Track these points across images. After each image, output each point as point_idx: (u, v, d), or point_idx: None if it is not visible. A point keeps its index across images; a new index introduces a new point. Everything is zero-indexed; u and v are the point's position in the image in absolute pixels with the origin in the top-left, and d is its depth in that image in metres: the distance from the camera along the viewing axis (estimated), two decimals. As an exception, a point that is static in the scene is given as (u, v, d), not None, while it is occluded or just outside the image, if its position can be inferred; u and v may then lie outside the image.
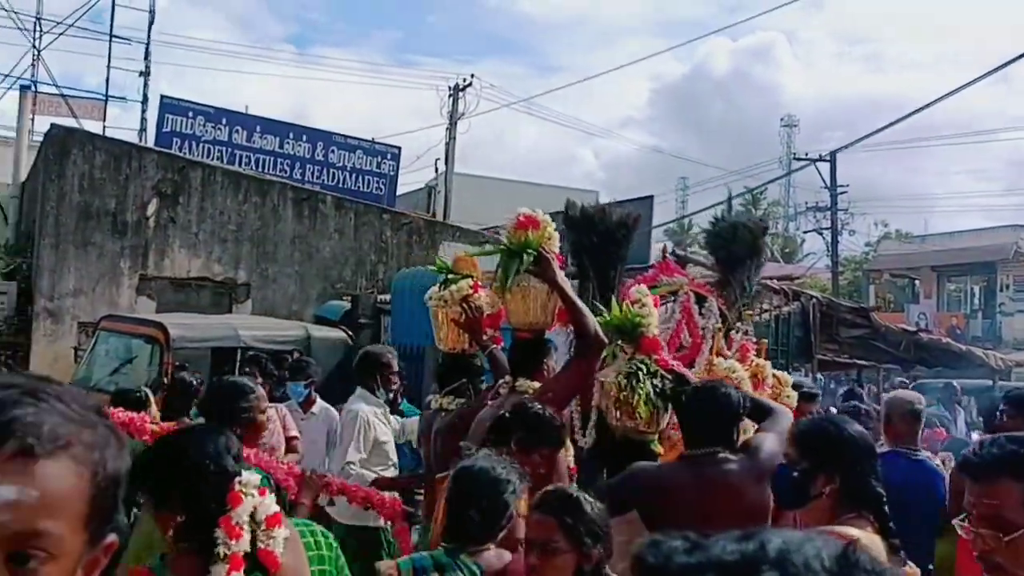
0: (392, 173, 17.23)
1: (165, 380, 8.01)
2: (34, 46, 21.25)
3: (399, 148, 17.64)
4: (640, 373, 3.47)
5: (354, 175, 16.80)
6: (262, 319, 11.32)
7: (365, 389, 5.35)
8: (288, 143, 16.36)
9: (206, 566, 2.01)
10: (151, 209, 12.23)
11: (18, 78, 20.54)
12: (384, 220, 13.96)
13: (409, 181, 23.23)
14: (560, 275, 3.70)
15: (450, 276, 4.29)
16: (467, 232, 14.82)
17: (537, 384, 3.69)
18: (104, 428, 0.91)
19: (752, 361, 4.59)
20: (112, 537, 0.94)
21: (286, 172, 15.92)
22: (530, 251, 3.65)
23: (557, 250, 3.78)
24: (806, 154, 27.68)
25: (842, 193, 27.07)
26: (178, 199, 12.45)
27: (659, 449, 3.60)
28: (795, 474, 2.49)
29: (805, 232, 35.59)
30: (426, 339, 10.16)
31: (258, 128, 16.18)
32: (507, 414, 3.29)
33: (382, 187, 17.04)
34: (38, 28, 21.27)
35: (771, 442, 3.11)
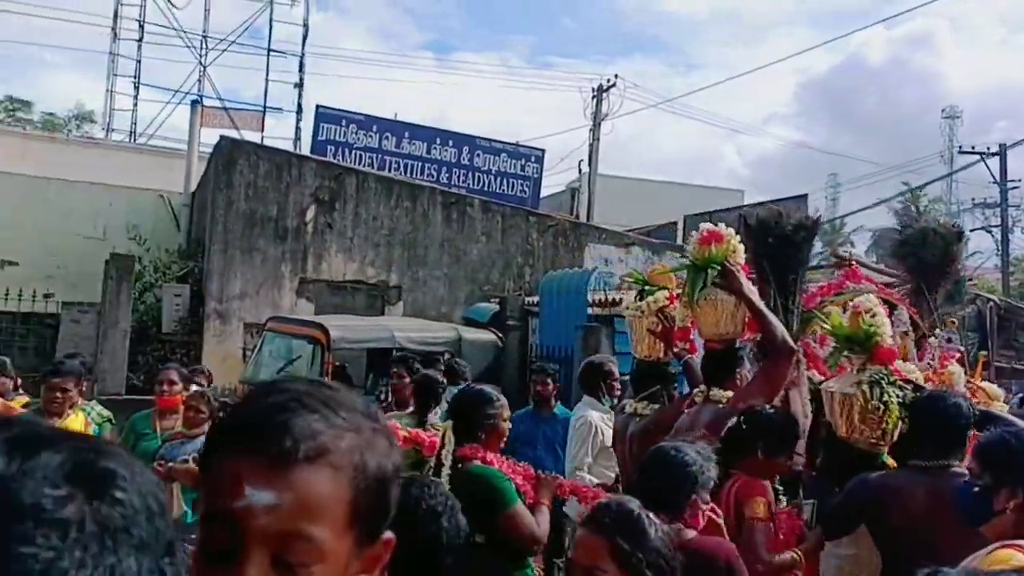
0: (536, 176, 17.35)
1: (325, 379, 8.33)
2: (200, 63, 22.65)
3: (543, 151, 17.76)
4: (883, 383, 3.48)
5: (499, 178, 17.02)
6: (415, 321, 11.61)
7: (591, 396, 5.69)
8: (435, 148, 16.74)
9: None
10: (309, 215, 12.77)
11: (187, 93, 21.96)
12: (530, 222, 14.07)
13: (549, 183, 23.34)
14: (747, 286, 3.84)
15: (647, 287, 4.50)
16: (612, 234, 14.75)
17: (730, 393, 3.78)
18: (370, 430, 0.94)
19: (946, 370, 4.42)
20: (389, 534, 0.97)
21: (433, 176, 16.29)
22: (715, 265, 3.82)
23: (742, 261, 3.92)
24: (972, 147, 26.08)
25: (1013, 188, 25.37)
26: (334, 205, 12.95)
27: (890, 462, 3.55)
28: (976, 489, 2.41)
29: (971, 230, 33.54)
30: (573, 340, 10.23)
31: (406, 134, 16.64)
32: (743, 424, 3.33)
33: (526, 189, 17.19)
34: (204, 45, 22.67)
35: None
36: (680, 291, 4.18)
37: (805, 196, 16.16)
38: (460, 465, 3.51)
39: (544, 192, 18.74)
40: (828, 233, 35.48)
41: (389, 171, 15.46)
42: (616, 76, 20.55)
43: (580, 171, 21.02)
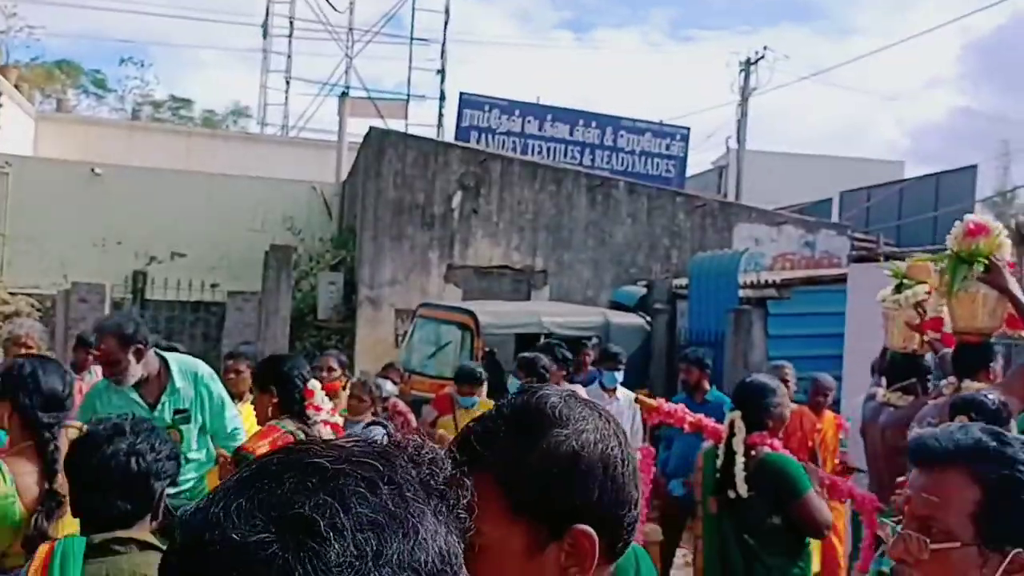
0: (681, 155, 16.96)
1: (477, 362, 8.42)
2: (347, 55, 23.32)
3: (688, 129, 17.32)
4: None
5: (643, 158, 16.74)
6: (562, 305, 11.58)
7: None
8: (577, 130, 16.61)
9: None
10: (455, 201, 12.93)
11: (335, 85, 22.68)
12: (676, 203, 13.75)
13: (695, 162, 22.77)
14: (1012, 282, 3.79)
15: (905, 281, 4.54)
16: (763, 212, 14.24)
17: (982, 385, 3.78)
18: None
19: None
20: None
21: (576, 159, 16.19)
22: (980, 259, 3.81)
23: (1008, 257, 3.90)
24: None
25: None
26: (479, 191, 13.05)
27: None
28: None
29: None
30: (724, 324, 9.95)
31: (549, 117, 16.58)
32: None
33: (671, 169, 16.84)
34: (350, 38, 23.32)
35: None
36: (938, 282, 4.19)
37: (974, 168, 15.07)
38: (752, 452, 3.78)
39: (690, 171, 18.29)
40: (999, 205, 33.11)
41: (532, 155, 15.46)
42: (765, 48, 19.81)
43: (727, 148, 20.42)
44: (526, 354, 6.08)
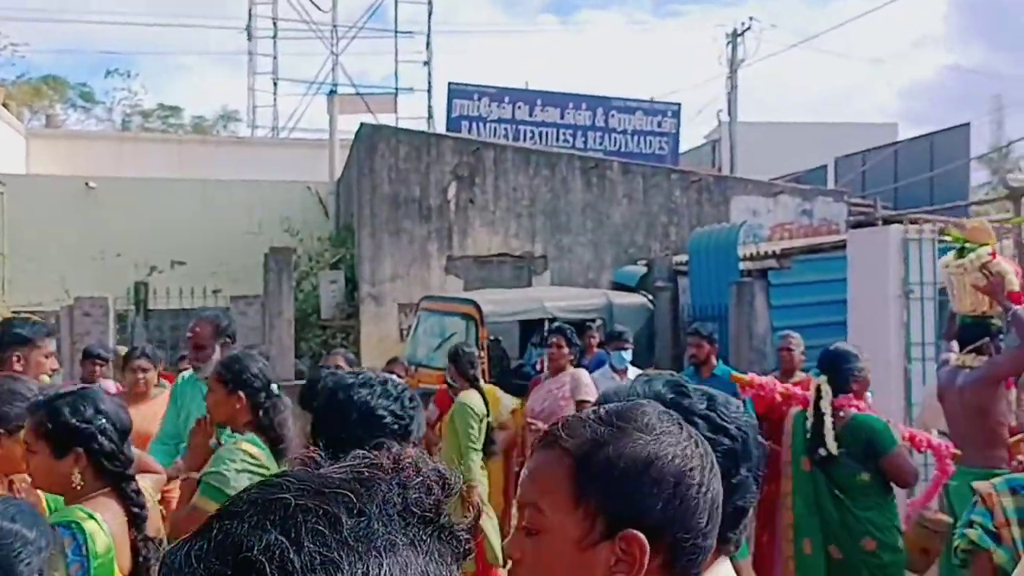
0: (674, 131, 16.92)
1: (481, 352, 8.44)
2: (333, 52, 23.26)
3: (679, 104, 17.28)
4: None
5: (635, 137, 16.71)
6: (564, 289, 11.60)
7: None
8: (568, 113, 16.57)
9: None
10: (451, 192, 12.93)
11: (322, 83, 22.64)
12: (672, 180, 13.75)
13: (688, 137, 22.74)
14: None
15: (967, 244, 4.70)
16: (758, 184, 14.23)
17: None
18: None
19: None
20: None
21: (569, 142, 16.16)
22: None
23: None
24: None
25: None
26: (474, 180, 13.05)
27: None
28: None
29: None
30: (726, 297, 9.96)
31: (539, 102, 16.54)
32: None
33: (664, 146, 16.81)
34: (334, 35, 23.25)
35: None
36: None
37: (967, 125, 15.04)
38: (840, 413, 4.09)
39: (683, 147, 18.27)
40: (995, 161, 33.02)
41: (525, 141, 15.45)
42: (751, 18, 19.74)
43: (719, 121, 20.37)
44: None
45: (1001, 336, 4.61)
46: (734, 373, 5.31)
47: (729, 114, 19.05)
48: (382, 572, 0.62)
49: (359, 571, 0.61)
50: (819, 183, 16.04)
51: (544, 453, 1.12)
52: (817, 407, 4.21)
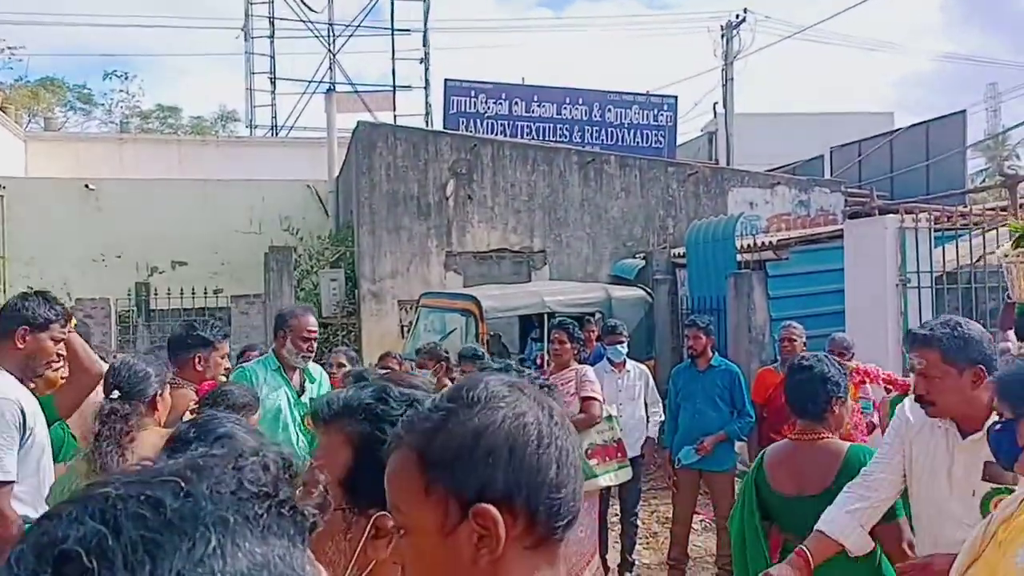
0: (670, 124, 16.98)
1: (481, 348, 8.50)
2: (330, 51, 23.29)
3: (675, 97, 17.34)
4: None
5: (632, 131, 16.76)
6: (563, 284, 11.65)
7: None
8: (565, 108, 16.63)
9: None
10: (449, 189, 12.98)
11: (320, 82, 22.68)
12: (669, 173, 13.80)
13: (685, 130, 22.75)
14: None
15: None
16: (755, 175, 14.28)
17: None
18: None
19: None
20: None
21: (566, 136, 16.22)
22: None
23: None
24: None
25: None
26: (472, 176, 13.10)
27: None
28: (998, 427, 2.27)
29: None
30: (724, 289, 10.02)
31: (536, 97, 16.59)
32: None
33: (661, 140, 16.86)
34: (331, 34, 23.28)
35: None
36: None
37: (963, 113, 15.06)
38: None
39: (680, 139, 18.31)
40: (992, 148, 33.02)
41: (522, 137, 15.50)
42: (745, 10, 19.74)
43: (715, 113, 20.40)
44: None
45: None
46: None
47: (725, 106, 19.09)
48: (210, 547, 0.62)
49: (184, 548, 0.61)
50: (816, 173, 16.09)
51: (394, 455, 1.12)
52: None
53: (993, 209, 8.42)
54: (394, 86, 22.24)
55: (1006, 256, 4.76)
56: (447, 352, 6.48)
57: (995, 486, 2.73)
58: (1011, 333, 4.82)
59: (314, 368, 4.92)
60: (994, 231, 7.70)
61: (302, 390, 4.64)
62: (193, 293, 12.85)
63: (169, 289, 13.56)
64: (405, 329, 11.75)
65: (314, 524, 0.71)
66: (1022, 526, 2.04)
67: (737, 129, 18.91)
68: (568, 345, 6.13)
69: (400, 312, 12.57)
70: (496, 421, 1.07)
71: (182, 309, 12.87)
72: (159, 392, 3.24)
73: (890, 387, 5.61)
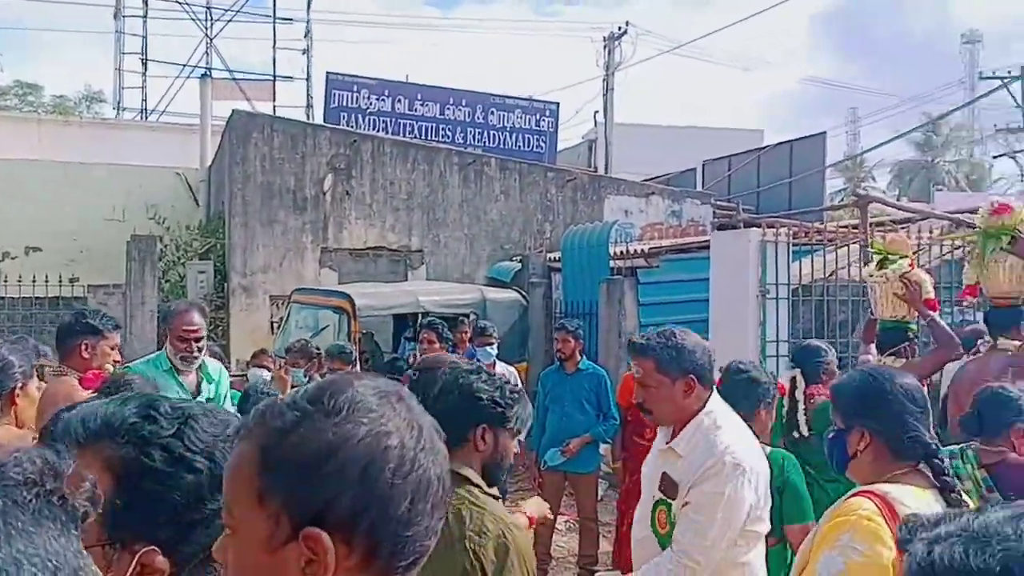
0: (551, 130, 17.19)
1: (353, 346, 8.40)
2: (207, 35, 22.51)
3: (557, 104, 17.56)
4: None
5: (514, 135, 16.89)
6: (439, 284, 11.64)
7: None
8: (448, 108, 16.60)
9: None
10: (327, 184, 12.76)
11: (195, 67, 21.88)
12: (548, 178, 13.98)
13: (566, 136, 23.13)
14: None
15: (889, 256, 5.11)
16: (631, 184, 14.64)
17: (1016, 343, 4.48)
18: None
19: None
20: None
21: (448, 137, 16.19)
22: (1006, 234, 4.56)
23: None
24: (993, 72, 25.47)
25: (1036, 111, 24.75)
26: (351, 172, 12.92)
27: None
28: (832, 434, 2.38)
29: (995, 157, 32.95)
30: (596, 295, 10.22)
31: (419, 96, 16.50)
32: None
33: (542, 144, 17.05)
34: (209, 17, 22.51)
35: None
36: (910, 256, 5.06)
37: (823, 134, 15.89)
38: (812, 400, 4.53)
39: (561, 146, 18.57)
40: (850, 169, 34.98)
41: (404, 135, 15.38)
42: (627, 23, 20.21)
43: (595, 122, 20.80)
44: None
45: (916, 340, 5.07)
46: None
47: (605, 116, 19.48)
48: None
49: None
50: (688, 185, 16.62)
51: (239, 445, 1.01)
52: (792, 395, 4.63)
53: (846, 227, 8.89)
54: (274, 76, 21.70)
55: (871, 276, 5.17)
56: (319, 349, 6.36)
57: (663, 498, 2.88)
58: (872, 347, 5.13)
59: (212, 365, 4.64)
60: (846, 248, 8.14)
61: (198, 391, 4.34)
62: (47, 280, 12.15)
63: (20, 276, 12.79)
64: (276, 325, 11.47)
65: (85, 514, 0.73)
66: (824, 534, 2.14)
67: (616, 138, 19.34)
68: (437, 345, 6.14)
69: (271, 307, 12.27)
70: (353, 437, 0.96)
71: (34, 297, 12.15)
72: (20, 384, 3.03)
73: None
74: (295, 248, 12.59)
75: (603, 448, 7.11)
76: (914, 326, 5.09)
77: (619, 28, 20.27)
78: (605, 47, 19.93)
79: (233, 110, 13.53)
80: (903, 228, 9.02)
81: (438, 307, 9.68)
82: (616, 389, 6.94)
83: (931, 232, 8.57)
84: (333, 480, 0.94)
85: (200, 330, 4.35)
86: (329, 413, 0.97)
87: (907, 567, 0.82)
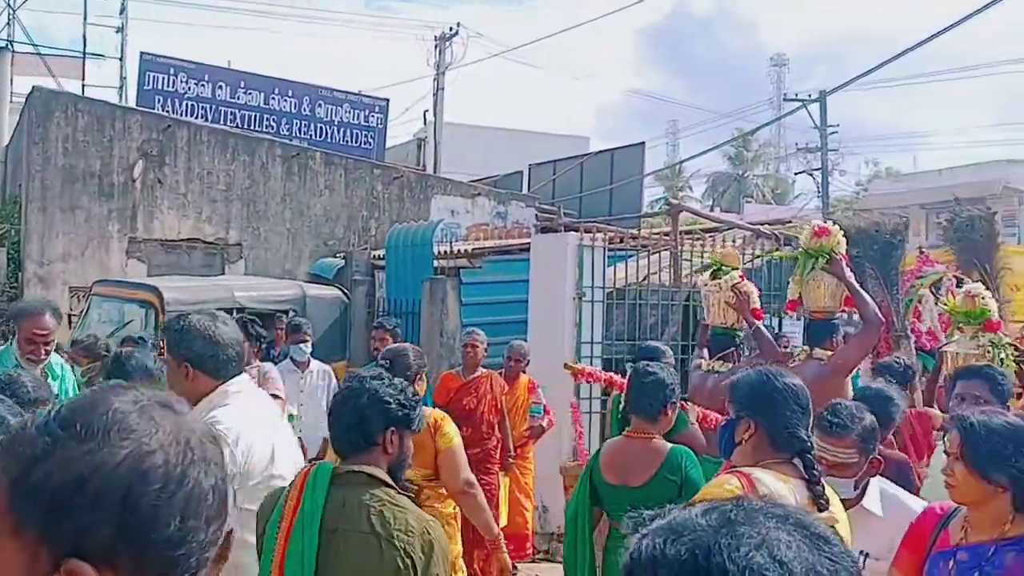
0: (380, 126, 17.00)
1: (161, 343, 7.98)
2: (9, 4, 20.77)
3: (387, 100, 17.39)
4: (997, 346, 4.83)
5: (342, 129, 16.58)
6: (257, 280, 11.26)
7: None
8: (273, 98, 16.09)
9: None
10: (137, 171, 12.06)
11: (-6, 38, 20.13)
12: (375, 175, 13.81)
13: (395, 134, 22.95)
14: (847, 272, 4.99)
15: (722, 267, 5.53)
16: (458, 184, 14.71)
17: (829, 353, 4.81)
18: None
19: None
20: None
21: (272, 128, 15.69)
22: (824, 254, 4.95)
23: (843, 251, 5.08)
24: (796, 94, 27.44)
25: (832, 133, 26.92)
26: (164, 160, 12.27)
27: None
28: (724, 423, 2.71)
29: (796, 173, 35.46)
30: (419, 293, 10.20)
31: (242, 84, 15.90)
32: None
33: (370, 141, 16.84)
34: (12, -15, 20.77)
35: None
36: (739, 268, 5.57)
37: (642, 144, 16.59)
38: None
39: (390, 143, 18.41)
40: (668, 178, 36.70)
41: (224, 123, 14.77)
42: (459, 24, 20.30)
43: (425, 121, 20.78)
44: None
45: (742, 346, 5.53)
46: (567, 363, 5.80)
47: (435, 115, 19.49)
48: None
49: None
50: (514, 188, 16.88)
51: None
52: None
53: (658, 234, 9.30)
54: (84, 52, 20.26)
55: (705, 285, 5.61)
56: (108, 348, 5.97)
57: None
58: (705, 351, 5.52)
59: (56, 361, 4.58)
60: (658, 254, 8.51)
61: None
62: None
63: None
64: (75, 318, 10.72)
65: None
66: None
67: (445, 138, 19.39)
68: (248, 344, 5.92)
69: (71, 299, 11.47)
70: (110, 464, 0.90)
71: None
72: None
73: (610, 387, 6.29)
74: (99, 237, 11.82)
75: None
76: (741, 333, 5.52)
77: (451, 28, 20.36)
78: (436, 46, 19.95)
79: (33, 87, 12.56)
80: (711, 236, 9.56)
81: (255, 303, 9.36)
82: (435, 388, 6.94)
83: (734, 241, 9.11)
84: (90, 510, 0.89)
85: (50, 334, 4.35)
86: (82, 439, 0.91)
87: (623, 560, 0.86)
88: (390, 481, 2.41)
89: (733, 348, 5.42)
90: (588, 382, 6.94)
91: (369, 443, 2.41)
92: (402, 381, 2.59)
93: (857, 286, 5.04)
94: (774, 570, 0.78)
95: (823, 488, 2.38)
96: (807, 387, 3.89)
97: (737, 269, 5.61)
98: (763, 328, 5.36)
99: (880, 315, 4.97)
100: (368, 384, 2.48)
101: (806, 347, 5.10)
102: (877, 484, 2.95)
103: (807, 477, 2.40)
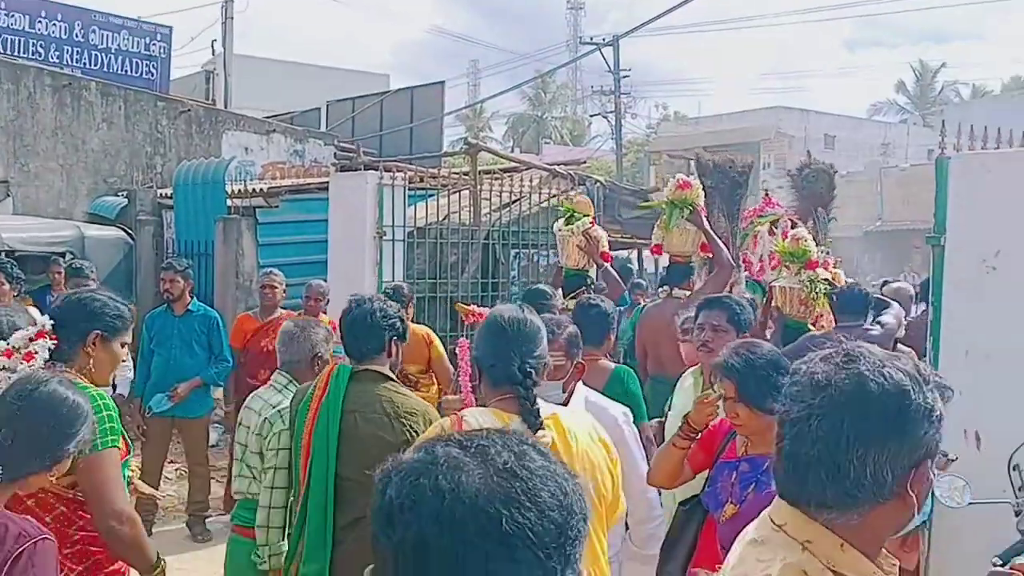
0: (163, 56, 15.92)
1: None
2: None
3: (170, 28, 16.26)
4: (814, 281, 5.38)
5: (120, 58, 15.39)
6: (26, 219, 10.38)
7: None
8: (40, 22, 14.67)
9: None
10: None
11: None
12: (159, 108, 12.97)
13: (181, 65, 21.61)
14: (705, 222, 5.71)
15: (574, 214, 6.09)
16: (252, 120, 14.11)
17: (687, 292, 5.45)
18: None
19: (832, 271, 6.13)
20: None
21: (40, 55, 14.34)
22: (687, 205, 5.60)
23: (702, 203, 5.78)
24: (591, 38, 28.17)
25: (625, 77, 27.94)
26: (-89, 86, 10.97)
27: (813, 329, 5.38)
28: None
29: (592, 116, 36.57)
30: (212, 234, 9.78)
31: (3, 4, 14.38)
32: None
33: (153, 71, 15.75)
34: None
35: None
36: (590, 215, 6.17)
37: (443, 83, 16.53)
38: None
39: (175, 74, 17.30)
40: (469, 118, 36.81)
41: (-18, 47, 13.35)
42: (248, -52, 19.20)
43: (213, 51, 19.63)
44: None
45: (593, 286, 5.99)
46: (459, 304, 5.78)
47: (224, 45, 18.44)
48: None
49: None
50: (312, 125, 16.40)
51: None
52: None
53: (458, 174, 9.38)
54: None
55: (559, 230, 6.14)
56: None
57: None
58: (560, 292, 5.90)
59: None
60: (458, 193, 8.61)
61: None
62: None
63: None
64: None
65: None
66: None
67: (236, 71, 18.40)
68: (6, 287, 5.52)
69: None
70: None
71: None
72: None
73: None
74: None
75: (215, 392, 6.89)
76: (591, 274, 6.06)
77: (239, -46, 19.17)
78: (224, -29, 18.76)
79: None
80: (509, 176, 9.76)
81: (26, 245, 8.69)
82: (230, 331, 6.74)
83: (531, 181, 9.35)
84: None
85: None
86: None
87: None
88: (394, 377, 3.13)
89: (584, 287, 5.86)
90: (478, 322, 7.12)
91: (379, 349, 3.08)
92: (396, 304, 3.27)
93: (714, 235, 5.71)
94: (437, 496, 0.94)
95: (539, 420, 2.33)
96: (669, 322, 4.54)
97: (588, 216, 6.11)
98: (611, 269, 6.03)
99: (731, 260, 5.75)
100: (376, 305, 3.12)
101: (666, 287, 5.67)
102: (583, 390, 3.20)
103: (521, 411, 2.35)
